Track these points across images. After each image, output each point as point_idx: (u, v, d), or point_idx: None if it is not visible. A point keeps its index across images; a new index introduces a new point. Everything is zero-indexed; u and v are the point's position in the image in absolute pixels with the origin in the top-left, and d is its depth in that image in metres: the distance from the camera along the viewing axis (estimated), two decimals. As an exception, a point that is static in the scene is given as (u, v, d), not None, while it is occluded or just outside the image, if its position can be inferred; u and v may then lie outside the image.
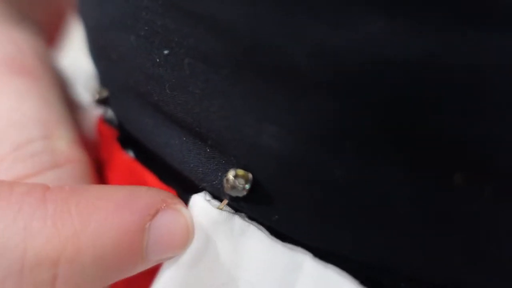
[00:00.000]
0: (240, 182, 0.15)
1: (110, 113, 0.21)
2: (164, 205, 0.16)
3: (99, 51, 0.19)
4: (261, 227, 0.16)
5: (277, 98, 0.13)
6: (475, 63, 0.11)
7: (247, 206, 0.16)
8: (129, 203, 0.16)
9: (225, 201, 0.16)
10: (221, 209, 0.16)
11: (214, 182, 0.16)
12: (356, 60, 0.12)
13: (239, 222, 0.16)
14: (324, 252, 0.15)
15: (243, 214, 0.16)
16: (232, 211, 0.16)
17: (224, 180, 0.15)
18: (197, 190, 0.17)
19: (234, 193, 0.15)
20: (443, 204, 0.12)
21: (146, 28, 0.16)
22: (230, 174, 0.15)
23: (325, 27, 0.11)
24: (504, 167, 0.11)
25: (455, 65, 0.11)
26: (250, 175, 0.15)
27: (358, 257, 0.14)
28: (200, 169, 0.16)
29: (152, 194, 0.16)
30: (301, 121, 0.13)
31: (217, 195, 0.16)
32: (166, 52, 0.15)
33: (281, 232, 0.15)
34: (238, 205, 0.16)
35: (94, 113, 0.24)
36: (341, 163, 0.13)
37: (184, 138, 0.16)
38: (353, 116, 0.12)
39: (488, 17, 0.10)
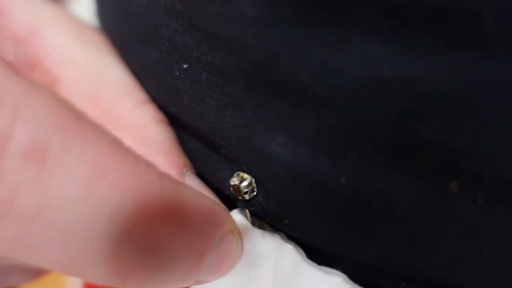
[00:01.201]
0: (244, 186, 0.16)
1: None
2: (230, 230, 0.16)
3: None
4: (298, 248, 0.17)
5: (285, 110, 0.14)
6: (462, 81, 0.11)
7: (258, 210, 0.17)
8: (212, 216, 0.15)
9: (248, 212, 0.17)
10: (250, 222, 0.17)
11: (229, 190, 0.17)
12: (354, 79, 0.12)
13: (277, 241, 0.17)
14: (329, 255, 0.16)
15: (282, 234, 0.17)
16: (271, 229, 0.17)
17: (231, 186, 0.16)
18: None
19: (242, 197, 0.16)
20: (440, 209, 0.13)
21: (167, 44, 0.17)
22: (235, 179, 0.16)
23: (326, 50, 0.12)
24: (495, 176, 0.12)
25: (445, 82, 0.12)
26: (253, 180, 0.16)
27: (361, 258, 0.15)
28: (217, 174, 0.17)
29: (225, 212, 0.16)
30: (307, 131, 0.14)
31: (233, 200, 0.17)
32: (185, 66, 0.16)
33: (292, 235, 0.17)
34: (252, 210, 0.17)
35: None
36: (345, 171, 0.14)
37: (200, 147, 0.18)
38: (354, 129, 0.13)
39: (472, 40, 0.11)
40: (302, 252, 0.17)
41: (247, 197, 0.16)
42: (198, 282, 0.16)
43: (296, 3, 0.12)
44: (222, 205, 0.16)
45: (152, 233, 0.14)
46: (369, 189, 0.14)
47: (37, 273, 0.20)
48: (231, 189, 0.17)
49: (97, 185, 0.12)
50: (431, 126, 0.12)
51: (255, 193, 0.16)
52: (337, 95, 0.13)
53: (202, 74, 0.16)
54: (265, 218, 0.17)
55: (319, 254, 0.16)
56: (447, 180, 0.13)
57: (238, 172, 0.17)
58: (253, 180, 0.16)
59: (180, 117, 0.18)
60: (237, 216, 0.18)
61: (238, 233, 0.16)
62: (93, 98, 0.18)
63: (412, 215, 0.14)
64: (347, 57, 0.12)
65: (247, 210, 0.17)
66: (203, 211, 0.15)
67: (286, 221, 0.16)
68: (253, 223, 0.17)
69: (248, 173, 0.16)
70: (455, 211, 0.13)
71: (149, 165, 0.14)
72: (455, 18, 0.11)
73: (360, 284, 0.16)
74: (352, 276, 0.16)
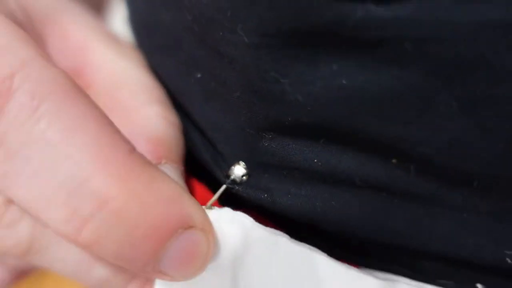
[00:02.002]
0: (239, 174, 0.20)
1: None
2: (200, 226, 0.17)
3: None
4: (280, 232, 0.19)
5: (271, 113, 0.18)
6: (388, 88, 0.16)
7: (243, 189, 0.20)
8: (178, 203, 0.17)
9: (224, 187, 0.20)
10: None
11: (223, 174, 0.21)
12: (322, 87, 0.16)
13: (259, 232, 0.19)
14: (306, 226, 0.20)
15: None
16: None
17: (229, 172, 0.20)
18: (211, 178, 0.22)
19: (235, 180, 0.20)
20: (387, 179, 0.17)
21: (186, 56, 0.21)
22: (234, 169, 0.20)
23: (301, 67, 0.17)
24: (420, 154, 0.16)
25: (379, 89, 0.16)
26: (246, 170, 0.20)
27: (323, 226, 0.19)
28: (216, 163, 0.21)
29: (197, 207, 0.17)
30: (289, 127, 0.18)
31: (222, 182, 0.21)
32: (199, 75, 0.20)
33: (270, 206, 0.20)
34: (239, 189, 0.20)
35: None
36: (318, 155, 0.18)
37: (203, 141, 0.21)
38: (322, 123, 0.17)
39: (395, 60, 0.15)
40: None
41: (240, 180, 0.20)
42: (162, 275, 0.17)
43: (279, 34, 0.16)
44: (194, 200, 0.17)
45: (109, 192, 0.16)
46: (335, 168, 0.18)
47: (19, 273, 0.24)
48: (226, 174, 0.20)
49: (70, 140, 0.16)
50: (374, 120, 0.17)
51: (246, 177, 0.20)
52: (310, 99, 0.17)
53: (211, 83, 0.20)
54: (248, 194, 0.20)
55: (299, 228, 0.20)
56: (390, 158, 0.17)
57: (234, 162, 0.20)
58: (245, 168, 0.20)
59: (190, 116, 0.22)
60: (239, 217, 0.19)
61: (210, 234, 0.18)
62: (111, 91, 0.22)
63: (367, 185, 0.18)
64: (316, 71, 0.17)
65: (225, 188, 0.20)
66: (168, 197, 0.16)
67: (265, 195, 0.20)
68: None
69: (242, 161, 0.20)
70: (396, 180, 0.17)
71: (124, 139, 0.17)
72: (384, 45, 0.15)
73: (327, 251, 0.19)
74: (318, 246, 0.19)
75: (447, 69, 0.14)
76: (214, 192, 0.21)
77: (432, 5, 0.14)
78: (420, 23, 0.14)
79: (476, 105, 0.15)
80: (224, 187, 0.20)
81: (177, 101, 0.22)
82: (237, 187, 0.20)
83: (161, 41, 0.22)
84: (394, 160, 0.17)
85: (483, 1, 0.13)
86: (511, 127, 0.15)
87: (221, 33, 0.18)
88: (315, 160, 0.18)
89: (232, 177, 0.20)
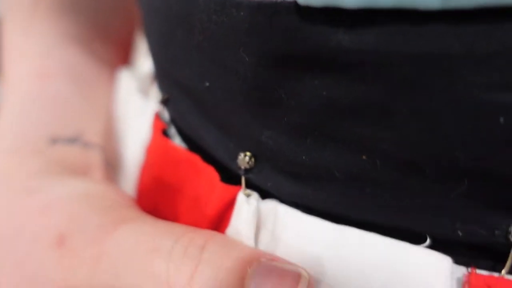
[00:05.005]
0: (246, 161, 0.24)
1: (165, 113, 0.30)
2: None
3: (163, 72, 0.29)
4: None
5: (269, 114, 0.22)
6: (355, 100, 0.20)
7: (252, 176, 0.24)
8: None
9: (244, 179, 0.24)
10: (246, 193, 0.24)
11: (234, 162, 0.24)
12: (308, 97, 0.21)
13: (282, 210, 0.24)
14: (304, 208, 0.23)
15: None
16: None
17: (238, 160, 0.24)
18: (223, 169, 0.25)
19: (243, 167, 0.24)
20: (359, 171, 0.21)
21: (197, 66, 0.24)
22: (241, 155, 0.24)
23: (292, 82, 0.21)
24: (383, 150, 0.20)
25: (351, 99, 0.20)
26: (252, 157, 0.24)
27: (317, 205, 0.23)
28: (227, 152, 0.25)
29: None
30: (282, 127, 0.22)
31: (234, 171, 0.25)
32: (207, 84, 0.24)
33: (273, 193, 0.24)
34: (248, 177, 0.25)
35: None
36: (305, 151, 0.22)
37: (216, 131, 0.26)
38: (309, 125, 0.21)
39: (357, 75, 0.19)
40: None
41: (247, 167, 0.24)
42: None
43: (272, 58, 0.21)
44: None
45: None
46: (319, 162, 0.22)
47: None
48: (236, 162, 0.24)
49: None
50: (346, 124, 0.20)
51: (252, 165, 0.24)
52: (299, 105, 0.21)
53: (217, 91, 0.24)
54: (256, 181, 0.24)
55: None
56: (360, 154, 0.21)
57: (241, 151, 0.24)
58: (252, 157, 0.24)
59: (205, 112, 0.26)
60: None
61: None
62: None
63: (344, 176, 0.22)
64: (303, 85, 0.21)
65: (243, 177, 0.24)
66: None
67: (270, 183, 0.24)
68: (246, 188, 0.24)
69: (248, 152, 0.24)
70: (366, 172, 0.21)
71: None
72: (352, 67, 0.19)
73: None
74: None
75: (397, 85, 0.18)
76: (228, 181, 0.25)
77: (387, 38, 0.18)
78: (376, 52, 0.18)
79: (421, 113, 0.19)
80: (243, 178, 0.24)
81: (197, 101, 0.26)
82: (248, 175, 0.24)
83: (176, 53, 0.25)
84: (364, 156, 0.21)
85: (420, 37, 0.17)
86: (433, 135, 0.18)
87: (226, 52, 0.22)
88: (303, 157, 0.22)
89: (242, 167, 0.24)
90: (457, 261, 0.21)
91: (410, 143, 0.19)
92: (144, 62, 0.37)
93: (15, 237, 0.27)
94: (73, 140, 0.34)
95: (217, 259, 0.21)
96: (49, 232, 0.25)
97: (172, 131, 0.30)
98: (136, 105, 0.33)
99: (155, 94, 0.33)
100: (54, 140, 0.33)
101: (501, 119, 0.17)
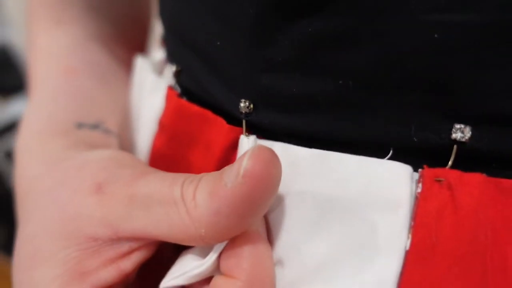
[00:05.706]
0: (246, 106, 0.29)
1: (177, 88, 0.35)
2: None
3: (178, 41, 0.34)
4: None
5: (261, 54, 0.27)
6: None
7: (251, 118, 0.29)
8: None
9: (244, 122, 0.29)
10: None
11: (236, 109, 0.29)
12: (297, 41, 0.26)
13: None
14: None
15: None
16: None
17: (239, 106, 0.28)
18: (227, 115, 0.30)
19: (244, 112, 0.30)
20: (343, 99, 0.26)
21: (209, 27, 0.29)
22: (242, 102, 0.29)
23: (284, 29, 0.26)
24: (355, 64, 0.25)
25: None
26: (251, 103, 0.28)
27: (316, 135, 0.28)
28: (229, 100, 0.29)
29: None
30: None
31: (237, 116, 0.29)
32: (218, 43, 0.29)
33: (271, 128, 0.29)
34: (248, 119, 0.30)
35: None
36: (296, 85, 0.27)
37: (222, 86, 0.30)
38: (295, 61, 0.27)
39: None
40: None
41: (247, 111, 0.29)
42: None
43: (271, 6, 0.26)
44: None
45: None
46: (305, 92, 0.27)
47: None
48: (238, 108, 0.28)
49: None
50: (327, 53, 0.26)
51: (251, 109, 0.29)
52: (291, 43, 0.26)
53: (227, 48, 0.29)
54: (256, 120, 0.28)
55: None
56: (338, 79, 0.26)
57: (242, 99, 0.28)
58: (251, 103, 0.28)
59: (216, 72, 0.30)
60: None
61: None
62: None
63: (325, 102, 0.27)
64: (295, 26, 0.25)
65: (244, 121, 0.29)
66: None
67: (268, 120, 0.29)
68: (246, 132, 0.29)
69: (248, 99, 0.28)
70: (343, 95, 0.26)
71: None
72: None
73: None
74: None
75: (362, 14, 0.24)
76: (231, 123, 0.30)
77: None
78: None
79: (380, 34, 0.24)
80: (244, 122, 0.29)
81: (208, 62, 0.30)
82: (248, 118, 0.29)
83: (190, 18, 0.30)
84: (340, 81, 0.25)
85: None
86: (389, 52, 0.24)
87: (233, 5, 0.27)
88: (294, 89, 0.27)
89: (243, 111, 0.29)
90: (415, 169, 0.26)
91: (373, 62, 0.25)
92: (156, 53, 0.43)
93: (57, 189, 0.31)
94: (95, 126, 0.39)
95: (209, 180, 0.27)
96: (87, 183, 0.30)
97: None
98: (151, 82, 0.38)
99: (167, 75, 0.38)
100: (80, 125, 0.39)
101: (436, 35, 0.23)
